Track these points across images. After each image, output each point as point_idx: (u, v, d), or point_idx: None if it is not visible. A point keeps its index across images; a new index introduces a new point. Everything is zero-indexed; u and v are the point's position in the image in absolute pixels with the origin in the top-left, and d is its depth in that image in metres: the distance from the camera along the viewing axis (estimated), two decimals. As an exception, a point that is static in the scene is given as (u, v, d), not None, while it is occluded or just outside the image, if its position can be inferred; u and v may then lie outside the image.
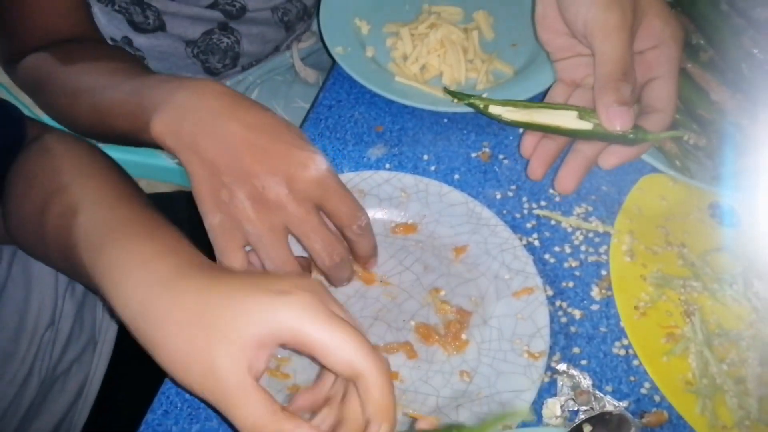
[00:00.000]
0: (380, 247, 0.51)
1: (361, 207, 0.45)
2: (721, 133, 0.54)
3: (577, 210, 0.54)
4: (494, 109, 0.49)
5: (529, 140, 0.50)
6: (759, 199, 0.53)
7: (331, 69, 0.65)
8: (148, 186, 1.17)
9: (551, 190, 0.55)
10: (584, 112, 0.46)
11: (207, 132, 0.42)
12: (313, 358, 0.33)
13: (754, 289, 0.49)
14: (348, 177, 0.54)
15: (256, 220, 0.42)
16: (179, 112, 0.42)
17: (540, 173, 0.49)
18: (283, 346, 0.33)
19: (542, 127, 0.48)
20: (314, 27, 0.81)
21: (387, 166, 0.57)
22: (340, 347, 0.32)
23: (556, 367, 0.46)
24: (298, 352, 0.34)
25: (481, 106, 0.49)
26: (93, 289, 0.38)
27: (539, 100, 0.58)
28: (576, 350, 0.47)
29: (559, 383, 0.45)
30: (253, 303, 0.33)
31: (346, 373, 0.32)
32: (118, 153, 0.51)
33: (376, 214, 0.53)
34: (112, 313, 0.36)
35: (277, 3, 0.71)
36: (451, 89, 0.55)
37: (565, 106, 0.48)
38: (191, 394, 0.35)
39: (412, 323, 0.48)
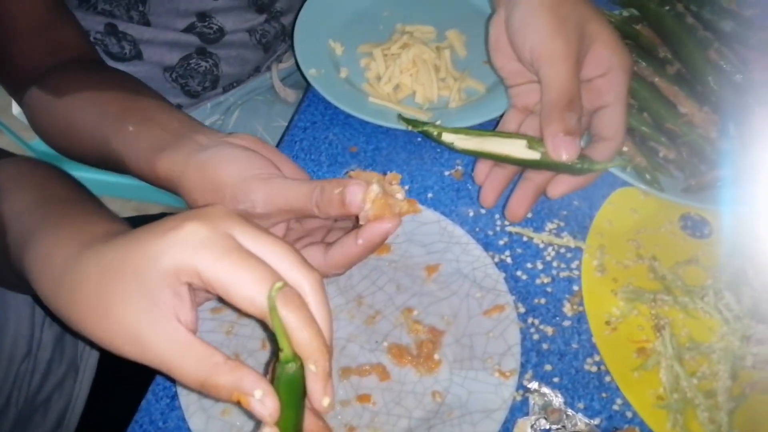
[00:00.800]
0: (354, 267, 0.52)
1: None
2: (691, 145, 0.54)
3: (549, 226, 0.54)
4: (447, 137, 0.49)
5: (482, 168, 0.50)
6: (730, 209, 0.53)
7: (306, 90, 0.66)
8: (139, 207, 1.17)
9: (523, 207, 0.56)
10: (533, 141, 0.45)
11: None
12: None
13: (725, 300, 0.49)
14: (321, 199, 0.54)
15: None
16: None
17: (491, 200, 0.50)
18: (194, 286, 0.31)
19: (492, 155, 0.48)
20: (293, 47, 0.82)
21: (361, 186, 0.58)
22: (238, 283, 0.29)
23: (528, 386, 0.46)
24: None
25: (435, 133, 0.49)
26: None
27: (495, 124, 0.57)
28: (548, 367, 0.47)
29: (531, 402, 0.45)
30: (148, 247, 0.30)
31: (253, 313, 0.30)
32: (102, 175, 0.53)
33: (349, 235, 0.53)
34: None
35: (254, 24, 0.72)
36: (407, 116, 0.56)
37: (515, 135, 0.48)
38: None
39: (385, 344, 0.48)
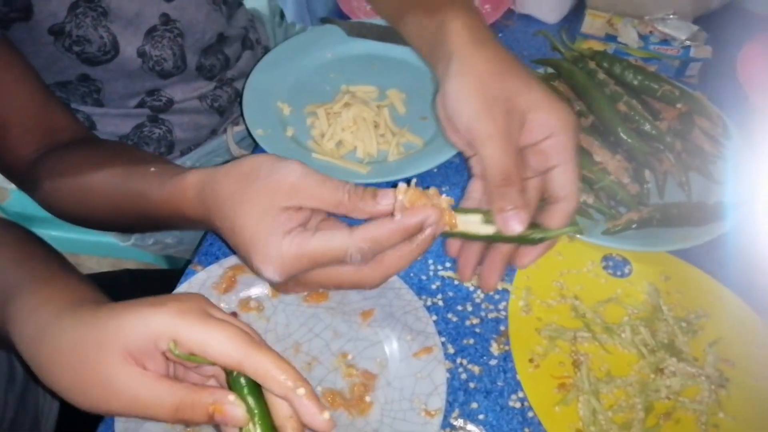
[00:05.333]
0: (293, 315, 0.55)
1: (345, 249, 0.42)
2: (606, 190, 0.58)
3: (479, 270, 0.57)
4: None
5: (452, 242, 0.50)
6: (646, 248, 0.57)
7: (254, 149, 0.70)
8: (115, 263, 1.18)
9: (455, 252, 0.59)
10: (488, 215, 0.45)
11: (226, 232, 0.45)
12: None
13: (641, 336, 0.52)
14: (262, 251, 0.57)
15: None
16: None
17: (468, 275, 0.49)
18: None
19: (453, 234, 0.47)
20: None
21: (303, 237, 0.61)
22: (214, 342, 0.34)
23: (454, 423, 0.48)
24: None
25: None
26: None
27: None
28: (474, 405, 0.49)
29: (456, 439, 0.47)
30: (131, 315, 0.36)
31: (229, 365, 0.35)
32: (82, 234, 0.56)
33: (288, 284, 0.56)
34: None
35: (204, 92, 0.76)
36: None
37: (472, 211, 0.47)
38: (98, 413, 0.37)
39: (320, 389, 0.50)
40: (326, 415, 0.35)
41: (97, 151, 0.57)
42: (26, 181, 0.59)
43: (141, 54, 0.67)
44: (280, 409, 0.36)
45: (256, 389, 0.36)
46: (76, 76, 0.66)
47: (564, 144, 0.45)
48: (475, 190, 0.50)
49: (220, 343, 0.34)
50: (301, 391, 0.35)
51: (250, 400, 0.36)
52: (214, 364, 0.35)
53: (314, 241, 0.41)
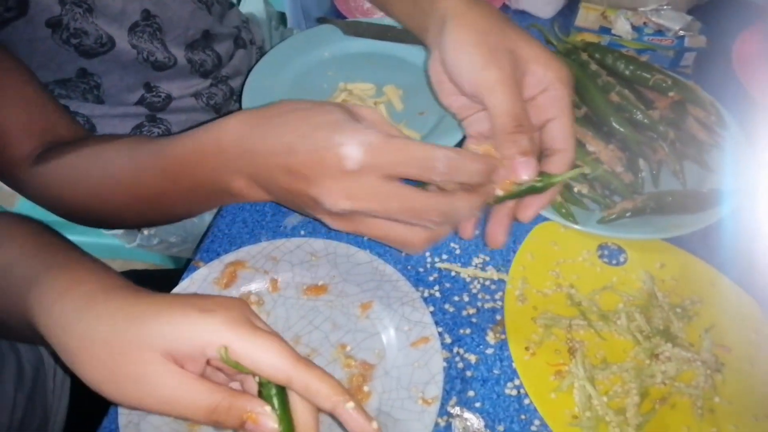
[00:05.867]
0: (292, 309, 0.56)
1: (431, 154, 0.39)
2: (600, 180, 0.58)
3: (475, 260, 0.58)
4: None
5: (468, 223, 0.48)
6: (641, 236, 0.57)
7: (255, 147, 0.71)
8: (123, 265, 1.21)
9: (452, 244, 0.60)
10: None
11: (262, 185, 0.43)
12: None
13: (636, 322, 0.52)
14: (262, 246, 0.59)
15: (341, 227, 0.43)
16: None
17: (471, 232, 0.48)
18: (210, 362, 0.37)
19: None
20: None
21: (302, 233, 0.62)
22: (265, 356, 0.35)
23: (451, 411, 0.49)
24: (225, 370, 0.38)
25: None
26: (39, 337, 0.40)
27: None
28: (471, 393, 0.50)
29: (453, 426, 0.48)
30: (180, 318, 0.36)
31: (277, 379, 0.35)
32: (88, 237, 0.56)
33: (288, 278, 0.57)
34: (56, 359, 0.39)
35: (199, 89, 0.77)
36: None
37: None
38: (128, 407, 0.38)
39: (319, 379, 0.51)
40: (375, 425, 0.36)
41: (103, 139, 0.55)
42: (26, 184, 0.58)
43: (134, 46, 0.68)
44: (300, 417, 0.37)
45: (284, 398, 0.37)
46: (76, 71, 0.67)
47: (560, 97, 0.45)
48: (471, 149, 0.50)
49: (270, 358, 0.35)
50: (350, 405, 0.36)
51: (278, 408, 0.37)
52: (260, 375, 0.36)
53: (399, 138, 0.39)
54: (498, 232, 0.47)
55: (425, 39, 0.52)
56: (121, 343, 0.35)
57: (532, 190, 0.45)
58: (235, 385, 0.40)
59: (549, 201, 0.47)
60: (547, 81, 0.45)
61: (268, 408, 0.36)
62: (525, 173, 0.43)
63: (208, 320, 0.35)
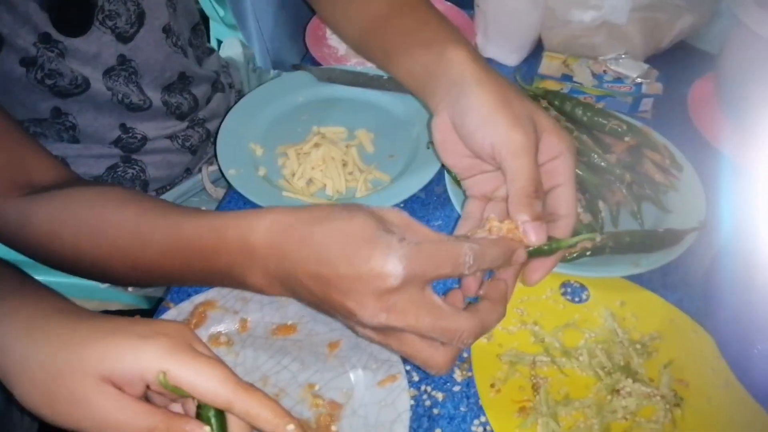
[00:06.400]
0: (261, 349, 0.56)
1: (459, 251, 0.40)
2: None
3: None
4: None
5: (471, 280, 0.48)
6: (601, 274, 0.59)
7: (228, 188, 0.72)
8: (99, 306, 1.19)
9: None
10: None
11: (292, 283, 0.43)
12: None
13: (597, 358, 0.53)
14: (232, 286, 0.59)
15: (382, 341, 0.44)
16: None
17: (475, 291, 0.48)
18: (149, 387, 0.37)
19: None
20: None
21: (273, 272, 0.63)
22: (205, 381, 0.36)
23: (418, 450, 0.49)
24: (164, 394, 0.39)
25: None
26: None
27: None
28: (437, 431, 0.50)
29: (419, 465, 0.48)
30: (119, 343, 0.37)
31: (218, 404, 0.36)
32: (62, 278, 0.56)
33: (258, 318, 0.58)
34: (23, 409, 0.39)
35: (175, 131, 0.79)
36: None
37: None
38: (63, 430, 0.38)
39: (286, 419, 0.51)
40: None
41: (95, 192, 0.53)
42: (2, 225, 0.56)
43: (109, 88, 0.70)
44: None
45: (223, 418, 0.38)
46: (50, 110, 0.68)
47: (568, 165, 0.48)
48: (474, 210, 0.52)
49: (210, 382, 0.36)
50: (291, 427, 0.37)
51: (217, 430, 0.38)
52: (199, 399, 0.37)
53: (427, 243, 0.40)
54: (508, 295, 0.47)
55: (429, 99, 0.54)
56: (59, 367, 0.36)
57: (539, 253, 0.45)
58: (176, 406, 0.41)
59: (555, 265, 0.48)
60: (559, 149, 0.47)
61: (207, 429, 0.37)
62: (538, 238, 0.44)
63: (147, 346, 0.36)
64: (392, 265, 0.38)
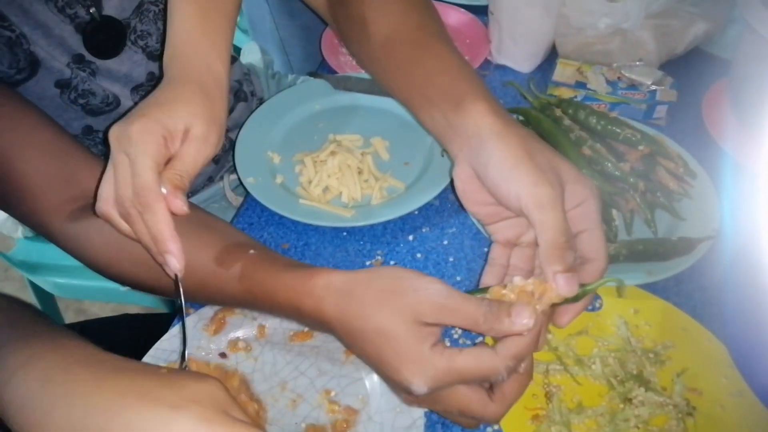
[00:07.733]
0: (279, 354, 0.57)
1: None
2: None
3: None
4: None
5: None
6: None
7: (247, 196, 0.74)
8: (117, 308, 1.20)
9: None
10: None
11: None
12: None
13: (610, 367, 0.54)
14: (251, 293, 0.61)
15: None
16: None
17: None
18: None
19: None
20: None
21: (290, 279, 0.64)
22: None
23: (432, 456, 0.50)
24: None
25: None
26: None
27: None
28: (451, 438, 0.51)
29: (434, 471, 0.49)
30: (148, 416, 0.33)
31: None
32: (83, 280, 0.57)
33: (275, 324, 0.59)
34: None
35: None
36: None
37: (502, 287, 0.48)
38: None
39: (303, 425, 0.53)
40: None
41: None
42: (59, 238, 0.58)
43: (137, 103, 0.71)
44: None
45: None
46: (81, 128, 0.70)
47: (594, 210, 0.49)
48: (499, 256, 0.53)
49: None
50: None
51: None
52: None
53: (463, 357, 0.44)
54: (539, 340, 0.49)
55: (449, 148, 0.55)
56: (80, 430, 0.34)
57: (567, 300, 0.46)
58: None
59: (584, 308, 0.49)
60: (582, 196, 0.48)
61: None
62: (567, 289, 0.45)
63: (180, 418, 0.33)
64: (420, 384, 0.44)
